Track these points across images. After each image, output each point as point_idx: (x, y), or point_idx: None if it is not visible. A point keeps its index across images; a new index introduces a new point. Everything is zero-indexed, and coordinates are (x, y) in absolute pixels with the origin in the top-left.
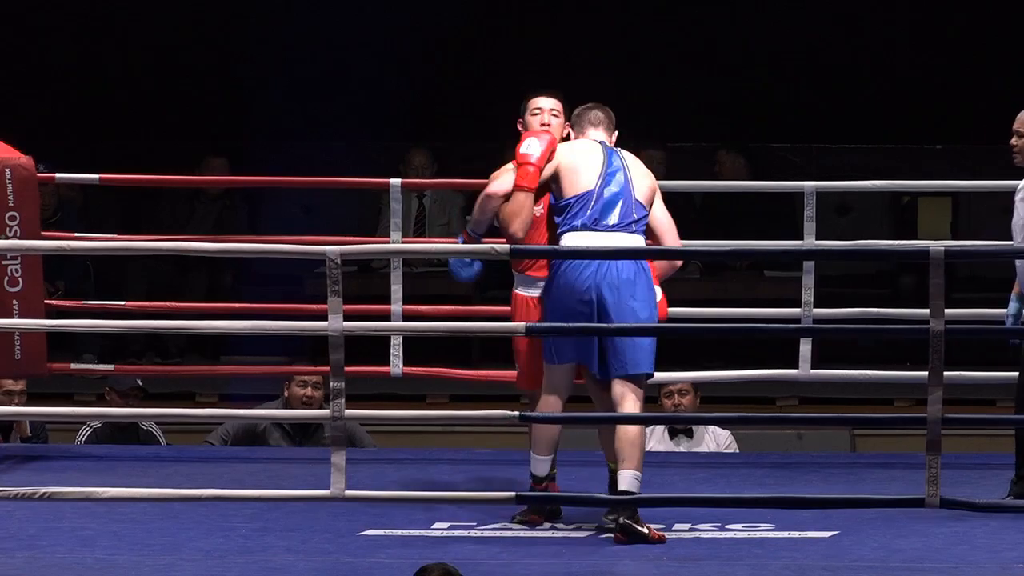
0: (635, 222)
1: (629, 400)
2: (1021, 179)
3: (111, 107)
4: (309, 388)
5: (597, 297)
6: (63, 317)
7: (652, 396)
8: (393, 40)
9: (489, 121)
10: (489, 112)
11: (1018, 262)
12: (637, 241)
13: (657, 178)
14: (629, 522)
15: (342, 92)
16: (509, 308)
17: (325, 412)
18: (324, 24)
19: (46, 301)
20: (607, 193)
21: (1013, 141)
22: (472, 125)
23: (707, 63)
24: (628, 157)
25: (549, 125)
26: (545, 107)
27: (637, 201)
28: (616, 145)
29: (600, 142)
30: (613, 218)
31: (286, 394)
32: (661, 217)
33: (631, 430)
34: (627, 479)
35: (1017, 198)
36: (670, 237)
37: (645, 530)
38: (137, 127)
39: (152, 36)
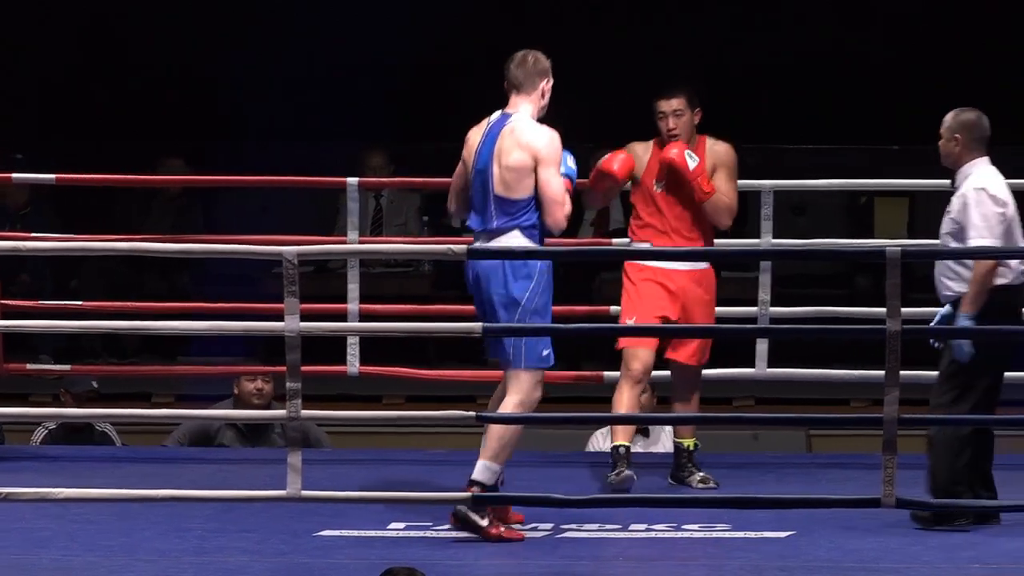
0: (499, 218)
1: (509, 396)
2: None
3: (67, 107)
4: (259, 380)
5: (477, 291)
6: (19, 318)
7: (610, 395)
8: (351, 42)
9: (446, 122)
10: (447, 113)
11: (937, 269)
12: (512, 237)
13: None
14: (463, 509)
15: (300, 93)
16: (466, 308)
17: (281, 412)
18: (282, 25)
19: (4, 301)
20: (474, 193)
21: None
22: (430, 126)
23: (664, 64)
24: (511, 128)
25: (675, 129)
26: (667, 110)
27: (496, 196)
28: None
29: (503, 113)
30: (480, 222)
31: (236, 391)
32: (543, 188)
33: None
34: (478, 467)
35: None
36: (550, 207)
37: (483, 522)
38: (94, 127)
39: (111, 36)
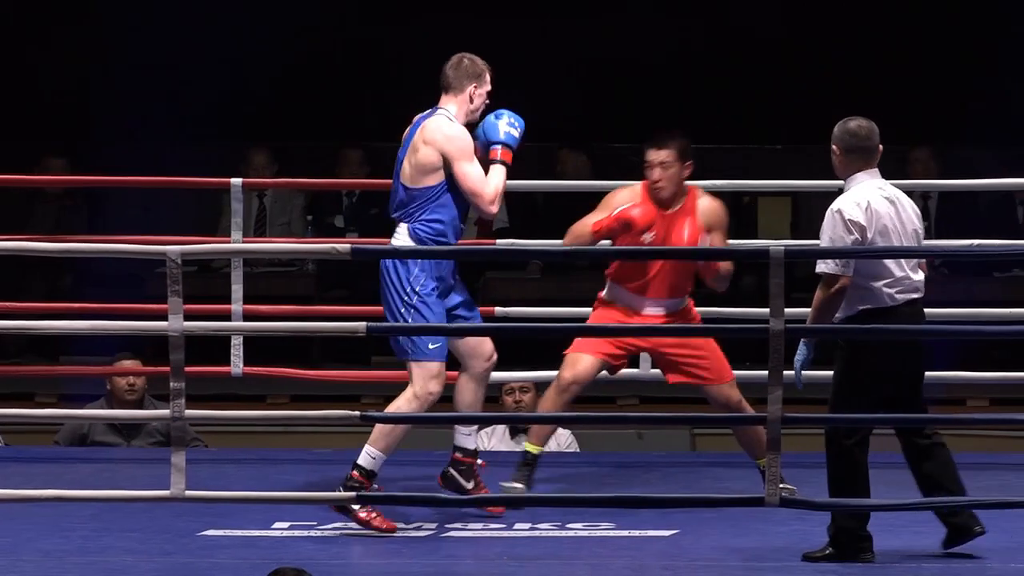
0: (398, 209)
1: (408, 389)
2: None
3: None
4: (131, 376)
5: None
6: None
7: (493, 395)
8: (234, 41)
9: (329, 121)
10: (329, 112)
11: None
12: (400, 232)
13: None
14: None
15: (182, 92)
16: (350, 308)
17: (165, 412)
18: (165, 24)
19: None
20: (393, 181)
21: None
22: (312, 125)
23: (549, 63)
24: (424, 125)
25: (660, 182)
26: (654, 160)
27: (401, 186)
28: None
29: (431, 109)
30: (392, 210)
31: (109, 387)
32: (461, 184)
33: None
34: (362, 453)
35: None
36: (473, 201)
37: (358, 509)
38: None
39: None
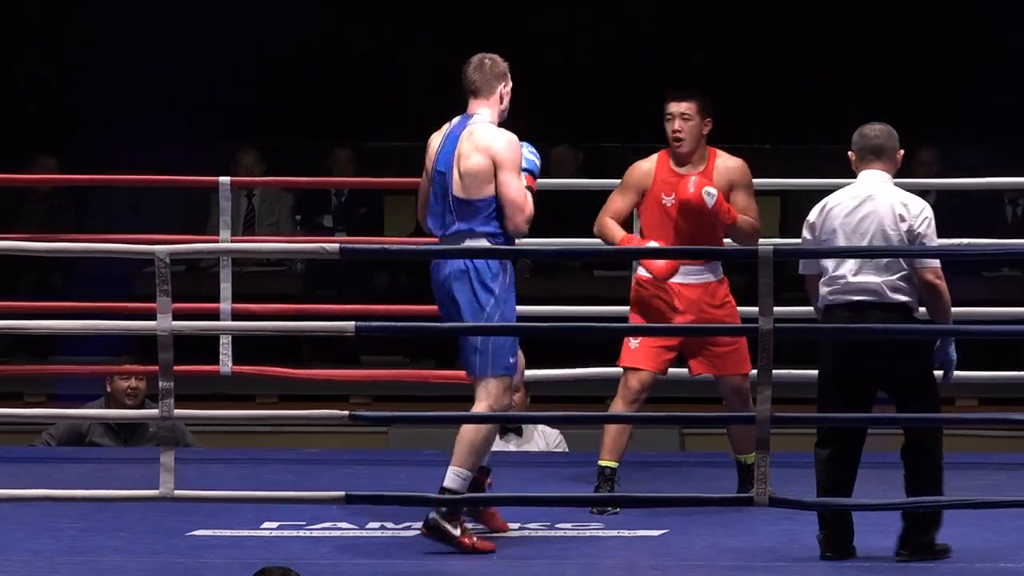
0: (459, 222)
1: (478, 404)
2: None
3: None
4: (132, 379)
5: (447, 299)
6: None
7: None
8: (224, 40)
9: (319, 121)
10: (319, 112)
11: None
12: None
13: None
14: (435, 517)
15: (172, 91)
16: (339, 307)
17: (154, 412)
18: (156, 23)
19: None
20: (433, 196)
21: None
22: (301, 125)
23: (539, 62)
24: (469, 132)
25: (680, 132)
26: (675, 112)
27: (455, 198)
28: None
29: (464, 116)
30: (439, 226)
31: (109, 389)
32: (503, 192)
33: (467, 431)
34: (449, 475)
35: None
36: (510, 211)
37: (456, 532)
38: None
39: None
